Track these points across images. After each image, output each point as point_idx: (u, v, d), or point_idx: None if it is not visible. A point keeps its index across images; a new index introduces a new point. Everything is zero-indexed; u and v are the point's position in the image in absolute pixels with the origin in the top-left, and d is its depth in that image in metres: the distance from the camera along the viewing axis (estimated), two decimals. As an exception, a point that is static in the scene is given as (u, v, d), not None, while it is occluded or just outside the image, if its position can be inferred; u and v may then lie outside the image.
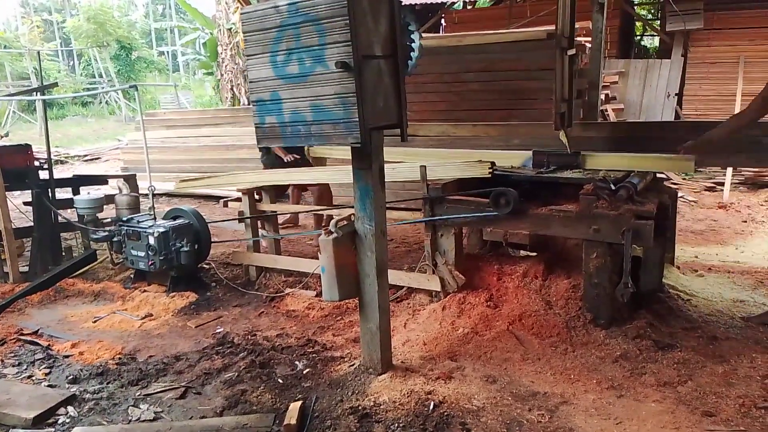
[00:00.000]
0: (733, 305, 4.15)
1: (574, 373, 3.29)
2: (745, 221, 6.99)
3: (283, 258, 5.21)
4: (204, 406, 3.19)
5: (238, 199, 5.23)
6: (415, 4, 10.59)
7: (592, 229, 3.58)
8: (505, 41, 6.66)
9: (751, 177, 8.32)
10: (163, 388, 3.39)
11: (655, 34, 12.37)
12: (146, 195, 5.16)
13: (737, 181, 8.23)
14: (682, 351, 3.44)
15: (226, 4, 14.22)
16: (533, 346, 3.60)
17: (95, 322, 4.47)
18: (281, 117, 2.92)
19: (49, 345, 4.03)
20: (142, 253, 4.73)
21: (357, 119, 2.71)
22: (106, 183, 6.61)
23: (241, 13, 2.97)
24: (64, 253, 5.64)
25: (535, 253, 4.45)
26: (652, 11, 14.18)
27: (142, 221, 4.88)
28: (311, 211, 5.25)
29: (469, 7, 13.15)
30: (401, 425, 2.83)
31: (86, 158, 13.94)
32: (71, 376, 3.54)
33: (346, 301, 3.99)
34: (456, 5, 12.52)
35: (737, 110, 8.84)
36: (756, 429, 2.71)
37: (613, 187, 3.56)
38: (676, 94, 10.02)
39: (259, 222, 5.19)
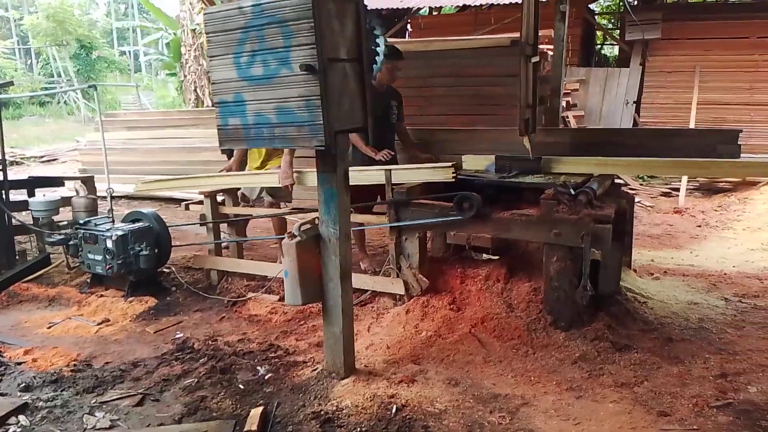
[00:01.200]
0: (687, 307, 4.26)
1: (535, 375, 3.34)
2: (700, 226, 7.21)
3: (246, 262, 5.16)
4: (162, 413, 3.11)
5: (200, 202, 5.15)
6: (382, 9, 10.64)
7: (552, 233, 3.64)
8: (471, 47, 6.73)
9: (705, 183, 8.60)
10: (119, 396, 3.30)
11: (615, 43, 12.68)
12: (104, 197, 5.04)
13: (692, 187, 8.49)
14: (638, 352, 3.52)
15: (191, 4, 14.03)
16: (495, 348, 3.64)
17: (50, 327, 4.34)
18: (245, 119, 2.89)
19: (0, 352, 3.89)
20: (100, 257, 4.61)
21: (322, 122, 2.70)
22: (63, 185, 6.44)
23: (205, 14, 2.93)
24: (18, 257, 5.46)
25: (497, 257, 4.50)
26: (612, 21, 14.55)
27: (100, 224, 4.77)
28: (275, 215, 5.20)
29: (435, 13, 13.28)
30: (364, 429, 2.82)
31: (43, 159, 13.55)
32: (23, 384, 3.41)
33: (310, 305, 3.98)
34: (422, 11, 12.61)
35: (693, 118, 9.15)
36: (709, 428, 2.78)
37: (573, 192, 3.63)
38: (634, 102, 10.29)
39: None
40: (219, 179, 5.04)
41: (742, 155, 4.39)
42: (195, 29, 14.12)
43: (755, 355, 3.49)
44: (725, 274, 5.17)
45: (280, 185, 4.68)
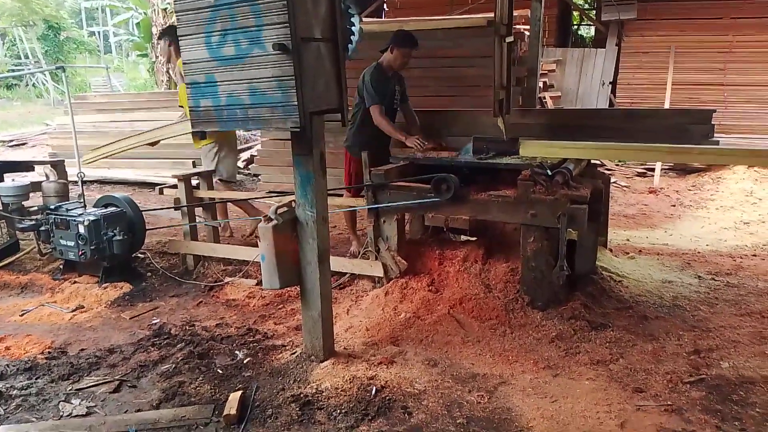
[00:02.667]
0: (662, 286, 4.34)
1: (512, 355, 3.37)
2: (674, 205, 7.32)
3: (222, 246, 5.10)
4: (140, 400, 3.08)
5: (174, 186, 5.07)
6: (357, -12, 10.49)
7: (529, 213, 3.66)
8: (447, 27, 6.68)
9: (680, 163, 8.70)
10: (96, 382, 3.26)
11: (591, 23, 12.69)
12: (75, 182, 4.93)
13: (667, 167, 8.59)
14: (614, 330, 3.58)
15: (160, -18, 13.70)
16: (473, 328, 3.66)
17: (22, 315, 4.26)
18: (217, 100, 2.83)
19: (-29, 341, 3.81)
20: (72, 243, 4.52)
21: (296, 103, 2.66)
22: (33, 170, 6.28)
23: (173, -9, 2.85)
24: (-13, 244, 5.34)
25: (475, 238, 4.52)
26: (589, 1, 14.55)
27: (72, 209, 4.66)
28: (249, 199, 5.15)
29: (411, -7, 13.11)
30: (343, 411, 2.83)
31: (12, 144, 13.22)
32: (-4, 373, 3.36)
33: (288, 289, 3.95)
34: (398, -10, 12.46)
35: (668, 98, 9.23)
36: (682, 403, 2.84)
37: (549, 173, 3.65)
38: (610, 83, 10.33)
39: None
40: (159, 132, 4.95)
41: (715, 135, 4.44)
42: (166, 8, 13.81)
43: (727, 332, 3.57)
44: (699, 252, 5.27)
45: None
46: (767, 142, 8.59)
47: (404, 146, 4.71)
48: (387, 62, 4.79)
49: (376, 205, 4.14)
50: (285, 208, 3.13)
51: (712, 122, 4.40)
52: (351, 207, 4.80)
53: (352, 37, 3.20)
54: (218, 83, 2.80)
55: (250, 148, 10.86)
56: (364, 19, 7.46)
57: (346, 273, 4.46)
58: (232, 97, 2.79)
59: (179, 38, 2.86)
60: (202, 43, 2.78)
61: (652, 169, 8.51)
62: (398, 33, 4.82)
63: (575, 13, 13.67)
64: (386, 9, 12.27)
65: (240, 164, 9.97)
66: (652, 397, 2.90)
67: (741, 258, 5.08)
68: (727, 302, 4.05)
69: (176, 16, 2.82)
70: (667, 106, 9.09)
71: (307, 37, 2.69)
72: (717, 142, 4.32)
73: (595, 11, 12.14)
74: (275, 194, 5.22)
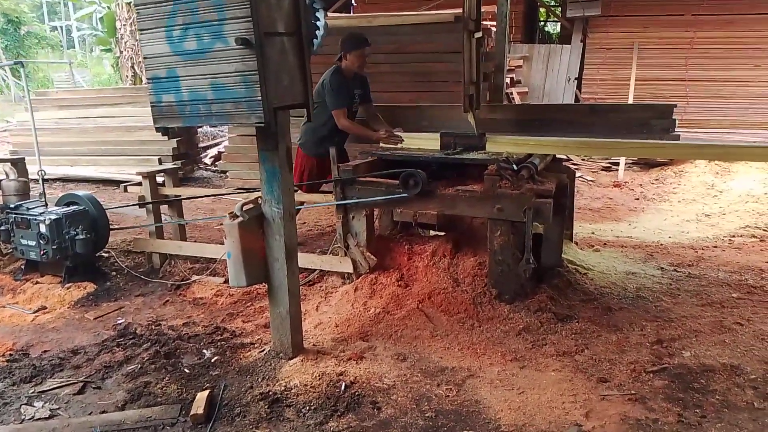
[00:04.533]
0: (625, 277, 4.42)
1: (480, 348, 3.40)
2: (638, 199, 7.48)
3: (189, 244, 5.03)
4: (105, 401, 3.03)
5: (139, 184, 4.98)
6: (324, -17, 10.42)
7: (495, 208, 3.69)
8: (415, 23, 6.68)
9: (643, 157, 8.88)
10: (59, 384, 3.19)
11: (557, 20, 12.85)
12: (36, 180, 4.81)
13: (631, 161, 8.76)
14: (579, 322, 3.64)
15: (124, -25, 13.42)
16: (442, 322, 3.68)
17: (-19, 317, 4.14)
18: (179, 95, 2.79)
19: (-72, 344, 3.69)
20: (33, 243, 4.41)
21: (260, 98, 2.63)
22: (-8, 167, 6.10)
23: (134, -16, 2.80)
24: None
25: (443, 233, 4.54)
26: (555, -2, 14.73)
27: (32, 208, 4.55)
28: (218, 195, 5.09)
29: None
30: (313, 408, 2.82)
31: (-30, 141, 12.81)
32: (-46, 377, 3.27)
33: (256, 286, 3.93)
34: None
35: (632, 94, 9.40)
36: (645, 392, 2.90)
37: (515, 168, 3.68)
38: (575, 78, 10.49)
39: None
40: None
41: (677, 130, 4.54)
42: (130, 2, 13.52)
43: (689, 321, 3.66)
44: (661, 244, 5.39)
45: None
46: (728, 137, 8.83)
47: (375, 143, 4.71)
48: (345, 66, 4.76)
49: (344, 202, 4.13)
50: (251, 205, 3.10)
51: (674, 117, 4.50)
52: (320, 203, 4.78)
53: (317, 32, 3.18)
54: (180, 78, 2.75)
55: (217, 144, 10.73)
56: (331, 15, 7.43)
57: (315, 269, 4.44)
58: (195, 93, 2.75)
59: (139, 32, 2.80)
60: (163, 38, 2.73)
61: (617, 164, 8.67)
62: (345, 38, 4.77)
63: (541, 10, 13.82)
64: (354, 4, 12.22)
65: (207, 161, 9.86)
66: (616, 387, 2.96)
67: (702, 249, 5.21)
68: (688, 293, 4.15)
69: (135, 9, 2.77)
70: (631, 101, 9.26)
71: (270, 31, 2.66)
72: (678, 137, 4.42)
73: (560, 8, 12.29)
74: (243, 191, 5.16)
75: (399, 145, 4.55)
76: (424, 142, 4.48)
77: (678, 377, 3.02)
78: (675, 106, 4.61)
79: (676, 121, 4.54)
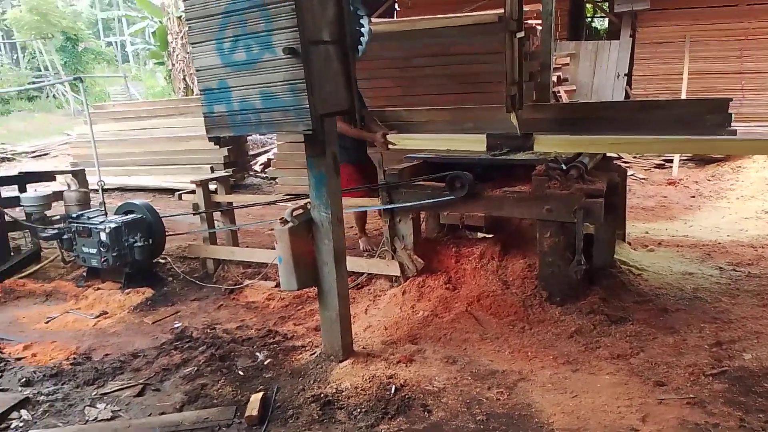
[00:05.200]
0: (682, 278, 4.28)
1: (531, 351, 3.36)
2: (693, 196, 7.23)
3: (240, 249, 5.16)
4: (163, 403, 3.13)
5: (193, 192, 5.13)
6: (368, -11, 10.50)
7: (544, 209, 3.64)
8: (457, 25, 6.66)
9: (697, 153, 8.58)
10: (120, 387, 3.32)
11: (605, 15, 12.58)
12: (96, 190, 5.02)
13: (685, 158, 8.49)
14: (633, 324, 3.55)
15: (174, -9, 13.82)
16: (491, 325, 3.65)
17: (47, 322, 4.35)
18: (230, 105, 2.87)
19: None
20: (94, 250, 4.61)
21: (307, 106, 2.68)
22: (54, 179, 6.41)
23: (185, 0, 2.89)
24: (12, 253, 5.45)
25: (491, 235, 4.51)
26: (601, -7, 14.42)
27: (93, 217, 4.75)
28: (268, 203, 5.18)
29: (422, -9, 13.09)
30: (363, 410, 2.85)
31: (34, 154, 13.45)
32: (24, 379, 3.43)
33: (306, 290, 3.99)
34: (409, -11, 12.44)
35: (684, 88, 9.11)
36: (704, 396, 2.81)
37: (564, 167, 3.63)
38: (625, 75, 10.24)
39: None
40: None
41: (733, 124, 4.38)
42: (180, 16, 13.94)
43: (749, 323, 3.52)
44: (719, 243, 5.20)
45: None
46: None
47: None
48: None
49: (391, 206, 4.15)
50: (300, 210, 3.16)
51: (729, 111, 4.34)
52: (367, 207, 4.81)
53: (361, 38, 3.22)
54: (231, 89, 2.84)
55: (266, 151, 10.94)
56: (375, 20, 7.48)
57: (363, 273, 4.48)
58: (245, 102, 2.83)
59: (191, 46, 2.91)
60: (214, 50, 2.82)
61: (671, 161, 8.41)
62: None
63: (588, 6, 13.54)
64: (398, 9, 12.27)
65: (257, 168, 10.06)
66: (673, 391, 2.87)
67: (762, 248, 5.00)
68: (748, 293, 3.99)
69: (187, 24, 2.87)
70: (683, 96, 8.98)
71: (315, 40, 2.72)
72: (734, 132, 4.26)
73: (608, 3, 12.03)
74: (292, 196, 5.24)
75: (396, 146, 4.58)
76: (425, 143, 4.50)
77: (739, 380, 2.91)
78: (731, 99, 4.45)
79: (732, 116, 4.38)
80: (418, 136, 4.65)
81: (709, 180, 7.79)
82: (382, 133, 4.66)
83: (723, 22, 9.41)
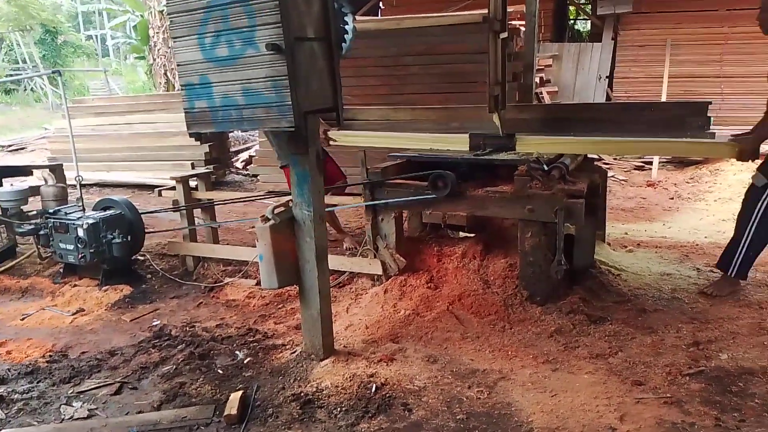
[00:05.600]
0: (660, 278, 4.34)
1: (512, 350, 3.38)
2: (672, 198, 7.33)
3: (221, 247, 5.11)
4: (141, 401, 3.09)
5: (173, 188, 5.08)
6: (353, -13, 10.48)
7: (526, 209, 3.66)
8: (443, 24, 6.67)
9: (676, 156, 8.70)
10: (97, 385, 3.27)
11: (587, 18, 12.68)
12: (74, 186, 4.94)
13: (665, 160, 8.60)
14: (613, 324, 3.58)
15: (156, -16, 13.67)
16: (472, 325, 3.67)
17: (23, 319, 4.28)
18: (212, 101, 2.84)
19: (-28, 346, 3.82)
20: (71, 246, 4.54)
21: (290, 103, 2.66)
22: (31, 174, 6.30)
23: (166, -7, 2.86)
24: (-14, 249, 5.35)
25: (473, 234, 4.53)
26: (585, -5, 14.53)
27: (70, 213, 4.68)
28: (250, 200, 5.15)
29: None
30: (344, 409, 2.84)
31: (11, 148, 13.24)
32: (-3, 377, 3.37)
33: (287, 288, 3.97)
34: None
35: (665, 91, 9.22)
36: (681, 395, 2.84)
37: (546, 168, 3.65)
38: (607, 77, 10.33)
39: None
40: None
41: (712, 127, 4.43)
42: (162, 10, 13.79)
43: (726, 323, 3.57)
44: (697, 244, 5.27)
45: None
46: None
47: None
48: None
49: (373, 202, 4.15)
50: (282, 208, 3.14)
51: (708, 114, 4.39)
52: (351, 205, 4.80)
53: (346, 36, 3.20)
54: (213, 84, 2.80)
55: (248, 148, 10.87)
56: (359, 18, 7.47)
57: (345, 271, 4.47)
58: (227, 98, 2.79)
59: (173, 40, 2.87)
60: (196, 45, 2.78)
61: (650, 162, 8.51)
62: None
63: (571, 8, 13.65)
64: (382, 7, 12.26)
65: (238, 164, 9.99)
66: (651, 390, 2.91)
67: (740, 249, 5.07)
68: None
69: (169, 18, 2.82)
70: (664, 99, 9.08)
71: (300, 36, 2.69)
72: (713, 134, 4.31)
73: (590, 5, 12.14)
74: (274, 194, 5.21)
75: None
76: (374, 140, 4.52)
77: (715, 380, 2.95)
78: (710, 103, 4.50)
79: (711, 119, 4.43)
80: (361, 133, 4.65)
81: (687, 182, 7.90)
82: (323, 130, 4.65)
83: (704, 26, 9.54)
